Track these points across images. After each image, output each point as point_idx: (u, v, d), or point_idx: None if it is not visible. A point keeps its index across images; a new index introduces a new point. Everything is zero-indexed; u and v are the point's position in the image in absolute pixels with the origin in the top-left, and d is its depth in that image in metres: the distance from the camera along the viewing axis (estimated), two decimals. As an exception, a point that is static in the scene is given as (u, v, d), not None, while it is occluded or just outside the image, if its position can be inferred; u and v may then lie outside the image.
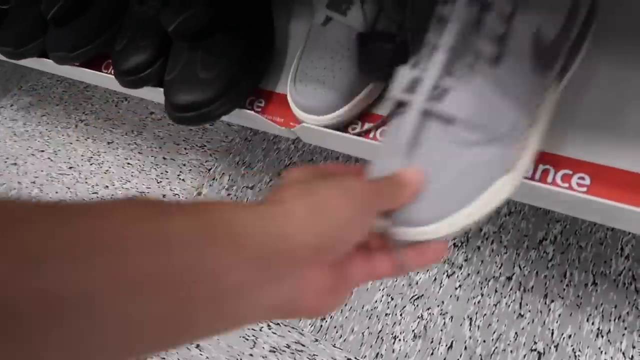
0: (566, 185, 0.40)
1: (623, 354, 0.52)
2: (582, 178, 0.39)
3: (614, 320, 0.54)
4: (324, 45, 0.47)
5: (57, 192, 0.93)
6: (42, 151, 1.02)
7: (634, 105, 0.42)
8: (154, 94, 0.59)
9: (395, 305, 0.62)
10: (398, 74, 0.36)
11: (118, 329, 0.18)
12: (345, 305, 0.64)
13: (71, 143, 1.01)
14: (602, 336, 0.54)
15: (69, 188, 0.93)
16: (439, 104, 0.33)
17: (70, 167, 0.96)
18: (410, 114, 0.33)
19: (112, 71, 0.59)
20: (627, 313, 0.54)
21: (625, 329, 0.54)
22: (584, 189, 0.39)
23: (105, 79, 0.65)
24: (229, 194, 0.81)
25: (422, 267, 0.34)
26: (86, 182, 0.92)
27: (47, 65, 0.70)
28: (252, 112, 0.53)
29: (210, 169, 0.86)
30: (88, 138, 1.00)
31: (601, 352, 0.53)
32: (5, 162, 1.03)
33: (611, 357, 0.52)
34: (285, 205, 0.25)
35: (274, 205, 0.24)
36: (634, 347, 0.52)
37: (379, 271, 0.32)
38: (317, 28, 0.48)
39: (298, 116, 0.48)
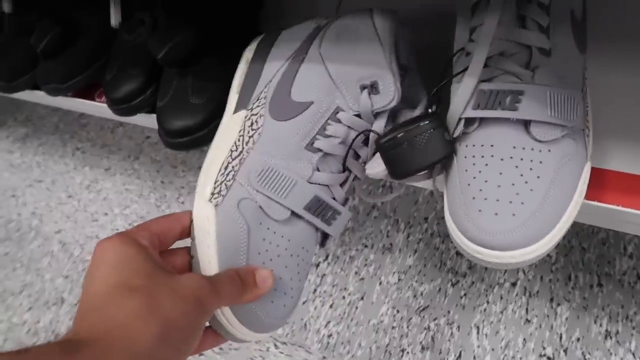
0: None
1: (633, 354, 0.52)
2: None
3: (622, 320, 0.54)
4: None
5: (56, 222, 0.93)
6: (40, 181, 1.02)
7: (606, 106, 0.42)
8: (149, 120, 0.59)
9: (402, 318, 0.62)
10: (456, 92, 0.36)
11: None
12: (352, 320, 0.63)
13: (69, 172, 1.01)
14: (611, 337, 0.53)
15: (68, 217, 0.93)
16: (517, 111, 0.33)
17: (69, 196, 0.96)
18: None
19: (105, 100, 0.60)
20: (635, 313, 0.54)
21: (634, 328, 0.53)
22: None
23: (99, 108, 0.65)
24: (228, 214, 0.81)
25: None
26: (85, 210, 0.92)
27: (40, 96, 0.70)
28: (246, 133, 0.53)
29: (209, 190, 0.86)
30: (85, 166, 1.00)
31: (611, 353, 0.52)
32: (4, 194, 1.03)
33: (621, 359, 0.52)
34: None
35: (66, 351, 0.25)
36: (643, 347, 0.52)
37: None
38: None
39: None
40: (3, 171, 1.07)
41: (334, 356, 0.62)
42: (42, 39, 0.61)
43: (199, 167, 0.88)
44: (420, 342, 0.59)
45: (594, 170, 0.39)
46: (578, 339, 0.54)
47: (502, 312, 0.58)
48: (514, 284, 0.60)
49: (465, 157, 0.35)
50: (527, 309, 0.58)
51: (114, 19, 0.59)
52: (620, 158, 0.40)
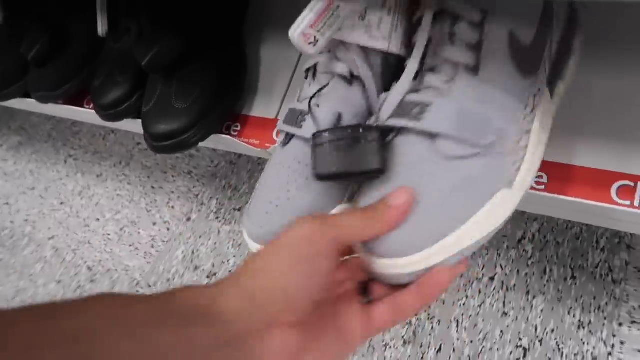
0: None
1: (604, 343, 0.54)
2: (540, 177, 0.41)
3: (594, 311, 0.56)
4: (279, 169, 0.40)
5: (49, 228, 0.95)
6: (33, 189, 1.04)
7: (585, 103, 0.44)
8: (138, 126, 0.61)
9: (384, 314, 0.64)
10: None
11: None
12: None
13: (61, 179, 1.02)
14: (584, 327, 0.55)
15: (61, 223, 0.94)
16: (420, 121, 0.32)
17: (62, 203, 0.98)
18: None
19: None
20: (606, 303, 0.56)
21: (605, 318, 0.55)
22: (542, 186, 0.41)
23: (89, 115, 0.67)
24: (217, 218, 0.83)
25: (424, 307, 0.34)
26: (78, 216, 0.94)
27: (31, 104, 0.72)
28: (229, 136, 0.55)
29: (198, 194, 0.88)
30: (77, 172, 1.02)
31: (583, 343, 0.54)
32: (-3, 202, 1.04)
33: (593, 347, 0.54)
34: (237, 281, 0.28)
35: (228, 284, 0.28)
36: (614, 336, 0.54)
37: (378, 320, 0.31)
38: (277, 151, 0.42)
39: (251, 247, 0.41)
40: (-4, 179, 1.09)
41: (319, 352, 0.63)
42: (32, 47, 0.63)
43: (189, 172, 0.91)
44: (402, 337, 0.61)
45: (558, 166, 0.42)
46: (552, 330, 0.56)
47: (480, 306, 0.60)
48: (492, 279, 0.62)
49: None
50: (504, 302, 0.59)
51: (101, 28, 0.61)
52: (583, 153, 0.42)
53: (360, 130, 0.33)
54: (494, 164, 0.33)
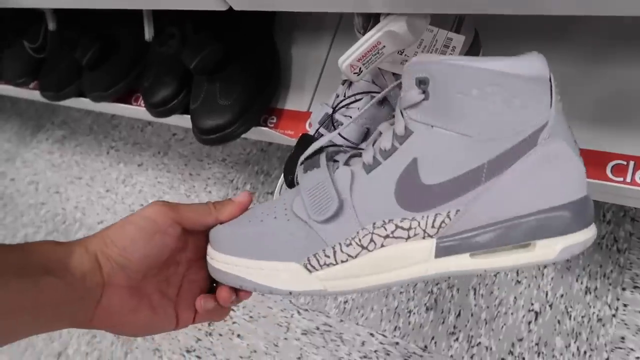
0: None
1: (609, 306, 0.60)
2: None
3: (600, 278, 0.62)
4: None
5: (98, 214, 1.03)
6: (80, 178, 1.12)
7: (582, 93, 0.49)
8: (175, 119, 0.68)
9: (408, 284, 0.70)
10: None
11: None
12: (365, 288, 0.72)
13: (105, 168, 1.11)
14: (590, 293, 0.61)
15: (108, 209, 1.03)
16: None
17: (107, 190, 1.06)
18: None
19: (142, 104, 0.69)
20: (611, 271, 0.62)
21: (610, 284, 0.61)
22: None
23: (132, 110, 0.74)
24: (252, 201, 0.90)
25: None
26: (123, 202, 1.02)
27: (73, 101, 0.80)
28: (267, 128, 0.62)
29: (233, 179, 0.95)
30: (120, 162, 1.10)
31: (590, 306, 0.60)
32: (49, 191, 1.13)
33: (599, 310, 0.60)
34: (85, 244, 0.33)
35: (78, 245, 0.33)
36: (617, 300, 0.60)
37: (203, 306, 0.36)
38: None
39: None
40: (46, 170, 1.18)
41: (350, 319, 0.71)
42: (85, 53, 0.70)
43: (223, 160, 0.99)
44: (425, 304, 0.68)
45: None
46: (562, 295, 0.62)
47: (495, 276, 0.66)
48: (506, 251, 0.68)
49: None
50: (517, 272, 0.66)
51: (148, 34, 0.68)
52: (582, 137, 0.48)
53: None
54: (310, 243, 0.33)
